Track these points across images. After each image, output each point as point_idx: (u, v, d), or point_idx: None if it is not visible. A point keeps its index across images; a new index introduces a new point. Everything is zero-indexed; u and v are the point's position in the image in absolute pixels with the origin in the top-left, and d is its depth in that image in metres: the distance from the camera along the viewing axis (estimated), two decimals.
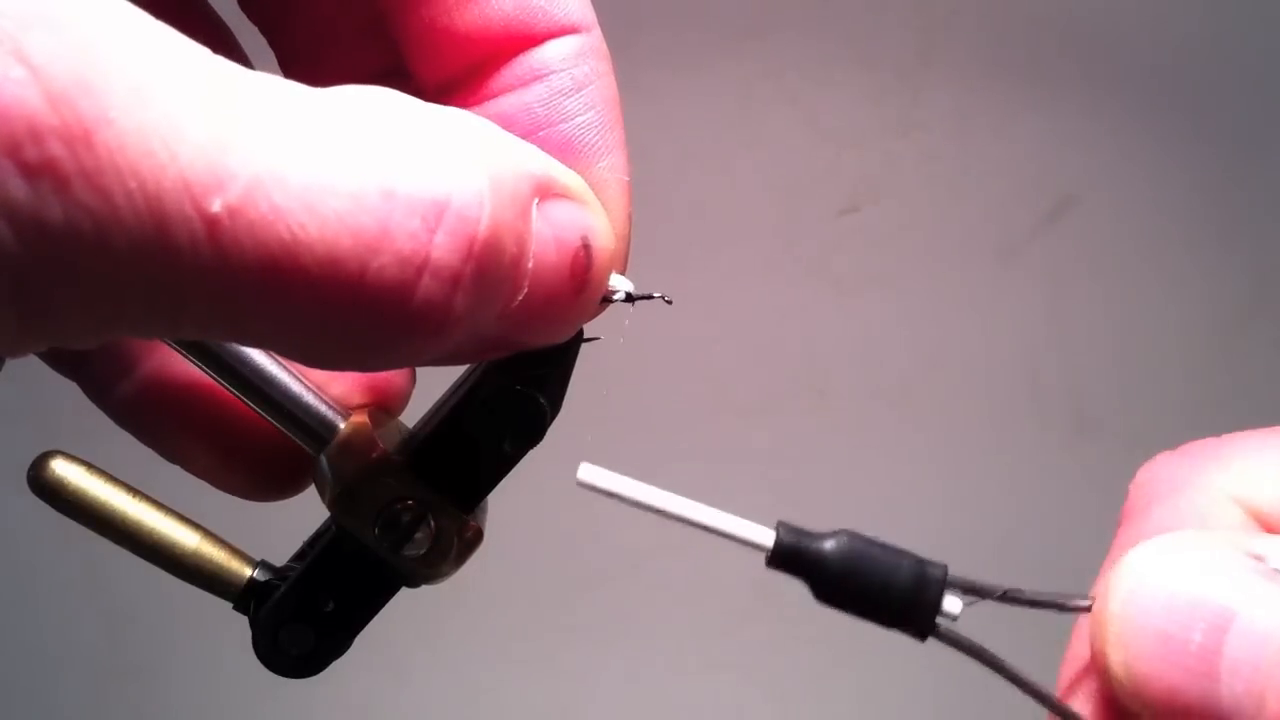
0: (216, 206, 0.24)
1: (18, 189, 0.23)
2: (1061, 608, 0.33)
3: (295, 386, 0.37)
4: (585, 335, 0.36)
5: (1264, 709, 0.27)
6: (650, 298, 0.36)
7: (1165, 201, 0.96)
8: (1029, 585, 0.33)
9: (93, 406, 0.39)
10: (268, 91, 0.26)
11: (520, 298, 0.30)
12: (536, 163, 0.31)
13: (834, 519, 0.34)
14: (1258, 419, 0.37)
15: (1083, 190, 0.96)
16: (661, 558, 0.98)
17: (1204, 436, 0.36)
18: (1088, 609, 0.32)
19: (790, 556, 0.33)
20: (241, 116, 0.25)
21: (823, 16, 0.91)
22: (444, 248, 0.27)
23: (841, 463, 0.97)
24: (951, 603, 0.33)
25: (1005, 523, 0.97)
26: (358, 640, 0.38)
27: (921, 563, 0.33)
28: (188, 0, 0.40)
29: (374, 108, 0.28)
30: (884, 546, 0.33)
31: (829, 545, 0.33)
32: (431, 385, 0.39)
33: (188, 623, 0.90)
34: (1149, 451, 0.36)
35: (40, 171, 0.23)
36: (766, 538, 0.33)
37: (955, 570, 0.33)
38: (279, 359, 0.37)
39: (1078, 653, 0.33)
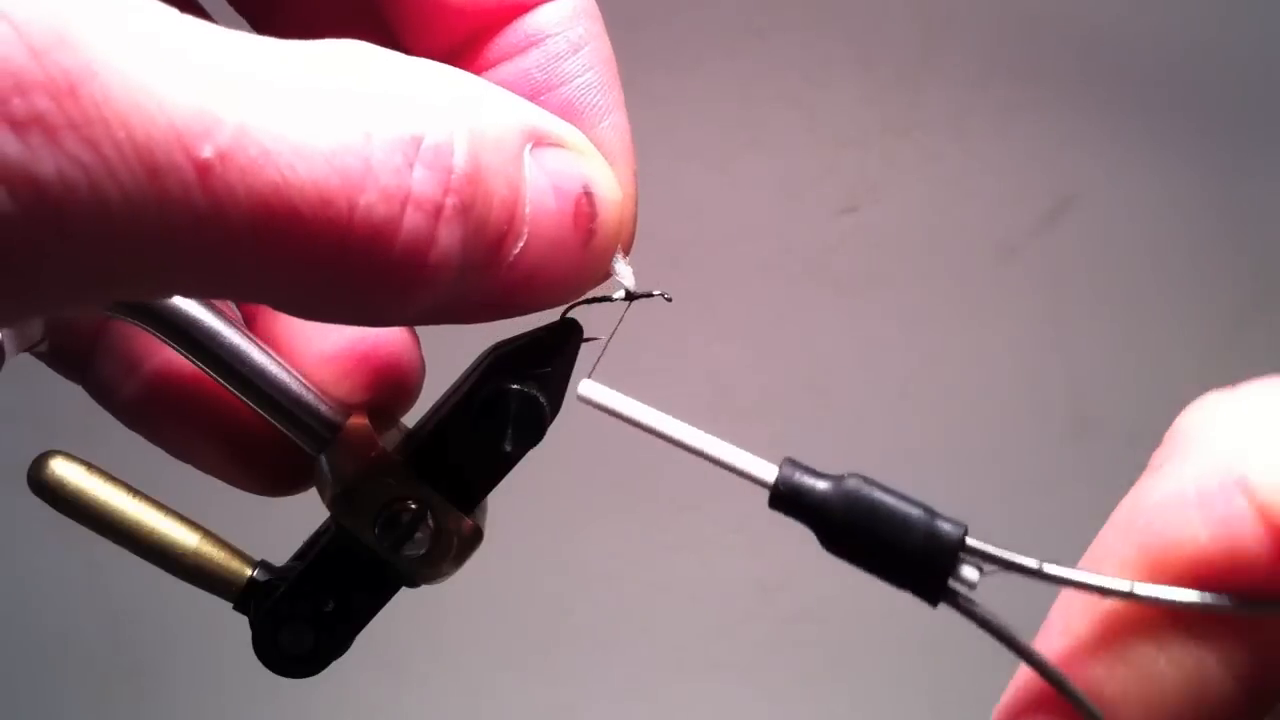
0: (207, 152, 0.24)
1: (8, 144, 0.22)
2: (1102, 591, 0.29)
3: (295, 386, 0.37)
4: (585, 335, 0.36)
5: None
6: (650, 295, 0.36)
7: (1165, 201, 0.96)
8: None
9: (92, 406, 0.39)
10: (245, 43, 0.26)
11: (520, 244, 0.30)
12: (526, 113, 0.31)
13: None
14: None
15: (1083, 190, 0.96)
16: (662, 558, 0.98)
17: None
18: (1127, 595, 0.29)
19: (792, 497, 0.30)
20: (223, 66, 0.25)
21: (823, 16, 0.91)
22: (422, 181, 0.27)
23: (841, 462, 0.97)
24: (969, 571, 0.29)
25: (1005, 522, 0.96)
26: (358, 640, 0.38)
27: (934, 518, 0.30)
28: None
29: (351, 56, 0.28)
30: (895, 494, 0.30)
31: (832, 488, 0.30)
32: (431, 385, 0.39)
33: (188, 623, 0.90)
34: (1149, 451, 0.35)
35: (29, 125, 0.23)
36: (769, 473, 0.31)
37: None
38: (278, 358, 0.37)
39: (1061, 631, 0.31)
